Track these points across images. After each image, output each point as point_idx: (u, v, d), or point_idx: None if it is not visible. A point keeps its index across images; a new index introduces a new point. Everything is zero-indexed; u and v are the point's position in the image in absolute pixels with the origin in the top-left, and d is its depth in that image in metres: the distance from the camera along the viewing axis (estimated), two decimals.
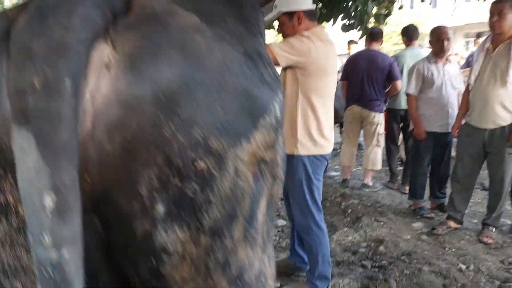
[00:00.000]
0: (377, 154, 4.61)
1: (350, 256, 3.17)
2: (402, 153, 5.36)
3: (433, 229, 3.52)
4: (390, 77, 4.34)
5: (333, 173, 5.34)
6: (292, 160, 2.27)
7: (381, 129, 4.56)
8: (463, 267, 2.93)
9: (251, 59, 0.72)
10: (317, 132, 2.24)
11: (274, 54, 2.06)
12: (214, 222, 0.64)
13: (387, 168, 5.07)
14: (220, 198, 0.64)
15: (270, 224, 0.87)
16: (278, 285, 2.71)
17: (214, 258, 0.66)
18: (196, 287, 0.66)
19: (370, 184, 4.73)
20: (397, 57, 4.68)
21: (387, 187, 4.88)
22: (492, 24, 3.03)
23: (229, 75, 0.66)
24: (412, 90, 3.84)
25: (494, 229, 3.37)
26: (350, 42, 6.55)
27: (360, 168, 5.58)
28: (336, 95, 5.12)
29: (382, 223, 3.73)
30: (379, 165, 4.69)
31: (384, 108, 4.64)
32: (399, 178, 4.90)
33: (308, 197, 2.31)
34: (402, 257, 3.08)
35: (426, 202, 4.19)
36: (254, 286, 0.75)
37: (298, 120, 2.21)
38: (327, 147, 2.32)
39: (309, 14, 2.19)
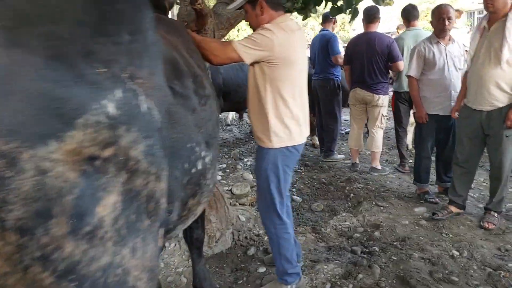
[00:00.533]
0: (380, 136, 4.54)
1: (343, 241, 3.19)
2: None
3: (434, 214, 3.45)
4: (390, 58, 4.23)
5: (339, 156, 5.29)
6: (263, 151, 2.30)
7: (385, 111, 4.48)
8: (456, 253, 2.88)
9: (63, 61, 0.76)
10: (289, 123, 2.22)
11: (238, 52, 2.05)
12: (19, 221, 0.68)
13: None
14: (20, 197, 0.68)
15: (141, 218, 0.93)
16: (264, 270, 2.79)
17: (28, 254, 0.70)
18: (18, 281, 0.72)
19: (379, 167, 4.66)
20: (397, 40, 4.55)
21: (398, 171, 4.79)
22: (485, 2, 2.89)
23: (20, 79, 0.70)
24: (413, 72, 3.73)
25: (496, 214, 3.27)
26: None
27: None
28: (346, 79, 5.13)
29: (382, 208, 3.70)
30: (381, 147, 4.63)
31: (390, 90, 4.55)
32: (411, 161, 4.80)
33: (274, 190, 2.30)
34: (395, 243, 3.07)
35: (434, 187, 4.12)
36: (100, 278, 0.81)
37: (270, 114, 2.19)
38: (300, 137, 2.30)
39: (272, 2, 2.16)
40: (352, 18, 3.12)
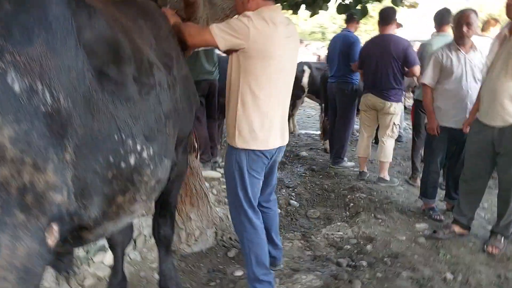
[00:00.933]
0: (390, 145, 4.31)
1: (331, 252, 3.03)
2: None
3: (434, 232, 3.23)
4: (406, 63, 3.99)
5: (348, 163, 5.08)
6: (230, 150, 2.18)
7: (397, 119, 4.24)
8: (450, 277, 2.66)
9: None
10: (256, 124, 2.07)
11: (213, 35, 1.95)
12: None
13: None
14: None
15: (10, 211, 0.84)
16: (241, 273, 2.68)
17: None
18: None
19: (387, 178, 4.42)
20: (424, 45, 4.30)
21: (408, 183, 4.55)
22: (508, 9, 2.65)
23: None
24: (428, 79, 3.50)
25: (502, 239, 3.01)
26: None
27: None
28: None
29: (380, 220, 3.50)
30: (391, 157, 4.39)
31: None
32: None
33: (240, 192, 2.18)
34: (386, 259, 2.88)
35: (443, 203, 3.88)
36: None
37: (238, 109, 2.07)
38: (267, 143, 2.13)
39: None
40: (360, 17, 2.95)
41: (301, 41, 11.45)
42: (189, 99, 2.03)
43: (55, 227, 1.01)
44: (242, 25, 1.93)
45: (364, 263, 2.81)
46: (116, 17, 1.46)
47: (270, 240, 2.61)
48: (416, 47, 5.59)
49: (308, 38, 22.33)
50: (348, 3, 2.94)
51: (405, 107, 8.09)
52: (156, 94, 1.46)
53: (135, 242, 3.01)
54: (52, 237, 1.01)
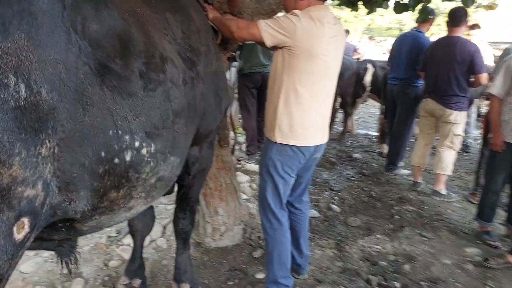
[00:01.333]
0: (448, 157, 3.93)
1: (364, 267, 2.83)
2: None
3: (486, 260, 2.90)
4: (471, 69, 3.59)
5: (402, 171, 4.73)
6: (267, 144, 2.19)
7: (458, 129, 3.85)
8: None
9: None
10: (297, 120, 2.07)
11: (260, 30, 1.97)
12: None
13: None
14: None
15: None
16: (262, 276, 2.60)
17: None
18: None
19: (444, 192, 4.06)
20: (509, 50, 3.85)
21: (467, 200, 4.14)
22: None
23: None
24: (496, 89, 3.12)
25: None
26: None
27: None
28: None
29: (425, 239, 3.22)
30: (449, 170, 4.01)
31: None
32: None
33: (270, 187, 2.19)
34: (423, 283, 2.64)
35: (503, 227, 3.48)
36: None
37: (280, 104, 2.08)
38: (306, 140, 2.11)
39: None
40: (420, 18, 2.68)
41: (371, 38, 10.92)
42: (217, 95, 1.97)
43: (25, 221, 0.99)
44: (289, 22, 1.94)
45: (398, 284, 2.60)
46: (134, 10, 1.42)
47: (297, 246, 2.51)
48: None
49: (384, 34, 21.36)
50: (407, 2, 2.67)
51: (478, 115, 7.47)
52: (164, 90, 1.40)
53: (164, 229, 3.05)
54: (22, 231, 0.99)
